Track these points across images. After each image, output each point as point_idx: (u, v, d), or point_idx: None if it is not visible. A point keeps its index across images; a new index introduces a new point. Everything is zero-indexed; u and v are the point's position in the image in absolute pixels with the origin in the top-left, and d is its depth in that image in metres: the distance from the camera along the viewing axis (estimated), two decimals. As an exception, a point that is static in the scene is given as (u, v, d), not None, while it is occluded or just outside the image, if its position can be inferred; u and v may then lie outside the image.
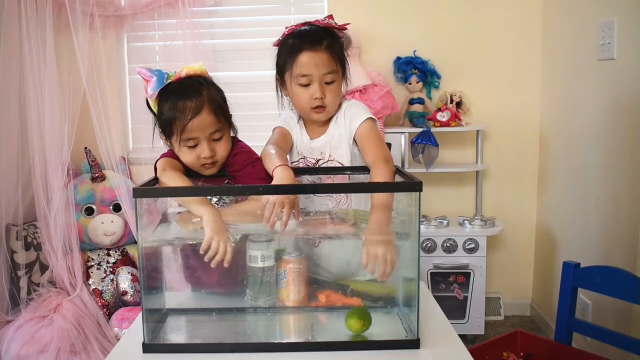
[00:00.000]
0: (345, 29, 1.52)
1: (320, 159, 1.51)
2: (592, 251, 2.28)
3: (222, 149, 1.37)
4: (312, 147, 1.52)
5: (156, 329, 1.26)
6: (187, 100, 1.31)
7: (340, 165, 1.50)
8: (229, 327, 1.31)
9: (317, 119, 1.49)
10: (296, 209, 1.24)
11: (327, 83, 1.45)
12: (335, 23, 1.50)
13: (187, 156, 1.36)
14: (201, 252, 1.21)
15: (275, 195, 1.21)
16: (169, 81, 1.33)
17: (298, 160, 1.55)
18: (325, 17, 1.51)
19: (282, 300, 1.31)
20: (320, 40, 1.44)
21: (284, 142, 1.49)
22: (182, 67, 1.36)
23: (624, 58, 2.04)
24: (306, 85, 1.45)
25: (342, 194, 1.48)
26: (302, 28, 1.48)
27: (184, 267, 1.39)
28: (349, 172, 1.46)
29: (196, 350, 1.20)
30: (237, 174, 1.38)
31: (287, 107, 1.57)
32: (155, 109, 1.36)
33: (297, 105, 1.50)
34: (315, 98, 1.44)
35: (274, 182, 1.28)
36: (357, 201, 1.46)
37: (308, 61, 1.43)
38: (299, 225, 1.30)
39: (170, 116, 1.32)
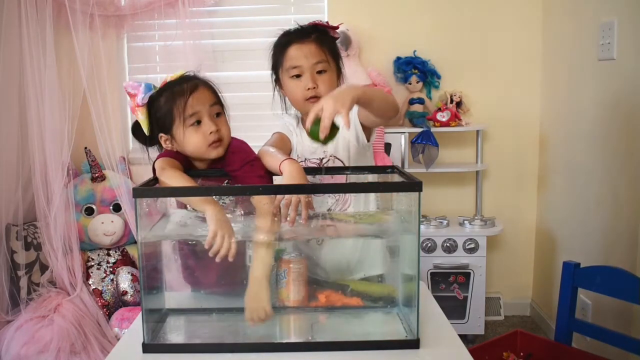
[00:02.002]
0: (337, 28, 1.52)
1: (323, 158, 1.52)
2: (592, 251, 2.28)
3: (224, 127, 1.37)
4: (314, 147, 1.52)
5: (156, 329, 1.26)
6: (182, 84, 1.33)
7: (341, 164, 1.51)
8: (229, 327, 1.30)
9: None
10: (309, 200, 1.26)
11: (319, 73, 1.46)
12: (328, 23, 1.52)
13: (194, 137, 1.34)
14: (206, 246, 1.20)
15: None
16: (155, 90, 1.34)
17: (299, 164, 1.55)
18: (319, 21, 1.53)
19: (282, 300, 1.30)
20: (308, 34, 1.47)
21: (282, 145, 1.49)
22: (174, 72, 1.38)
23: (624, 58, 2.04)
24: (298, 77, 1.46)
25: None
26: (293, 28, 1.51)
27: (184, 267, 1.38)
28: (348, 172, 1.46)
29: (196, 350, 1.20)
30: (236, 174, 1.38)
31: (284, 111, 1.57)
32: (145, 120, 1.35)
33: (293, 100, 1.51)
34: (308, 89, 1.45)
35: (284, 176, 1.27)
36: (356, 200, 1.46)
37: (297, 53, 1.46)
38: (306, 225, 1.30)
39: (169, 103, 1.32)
